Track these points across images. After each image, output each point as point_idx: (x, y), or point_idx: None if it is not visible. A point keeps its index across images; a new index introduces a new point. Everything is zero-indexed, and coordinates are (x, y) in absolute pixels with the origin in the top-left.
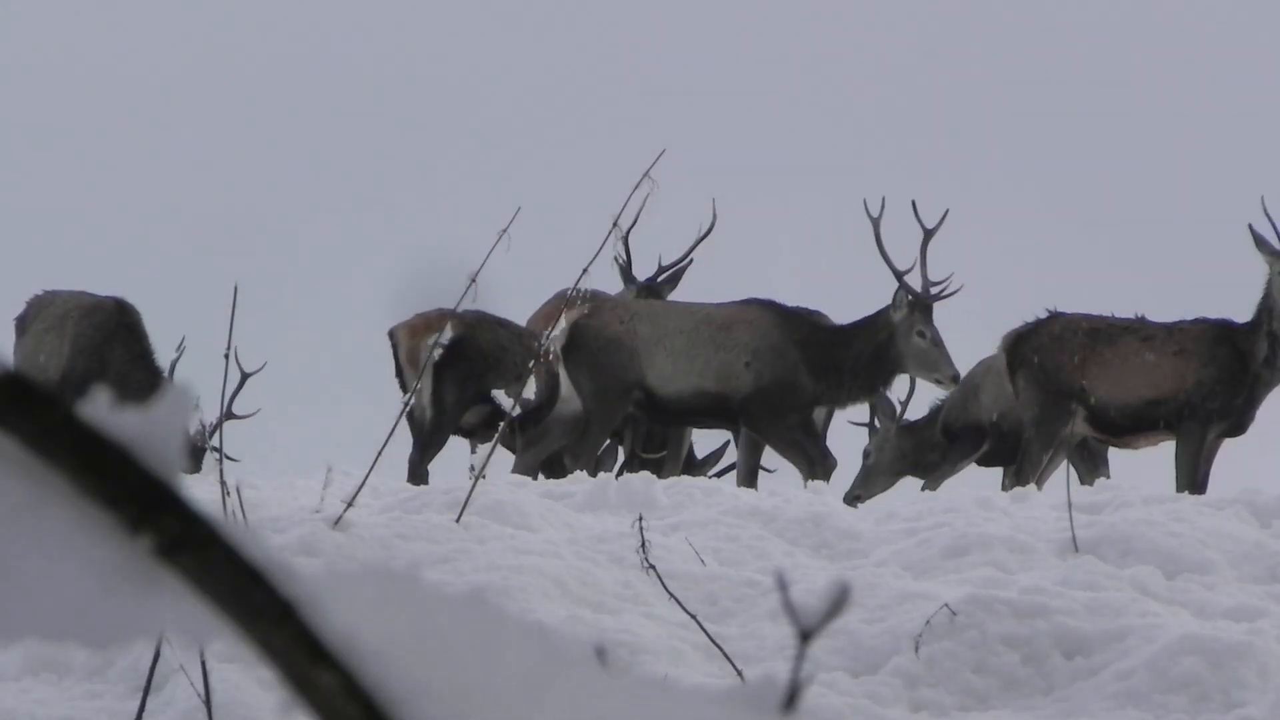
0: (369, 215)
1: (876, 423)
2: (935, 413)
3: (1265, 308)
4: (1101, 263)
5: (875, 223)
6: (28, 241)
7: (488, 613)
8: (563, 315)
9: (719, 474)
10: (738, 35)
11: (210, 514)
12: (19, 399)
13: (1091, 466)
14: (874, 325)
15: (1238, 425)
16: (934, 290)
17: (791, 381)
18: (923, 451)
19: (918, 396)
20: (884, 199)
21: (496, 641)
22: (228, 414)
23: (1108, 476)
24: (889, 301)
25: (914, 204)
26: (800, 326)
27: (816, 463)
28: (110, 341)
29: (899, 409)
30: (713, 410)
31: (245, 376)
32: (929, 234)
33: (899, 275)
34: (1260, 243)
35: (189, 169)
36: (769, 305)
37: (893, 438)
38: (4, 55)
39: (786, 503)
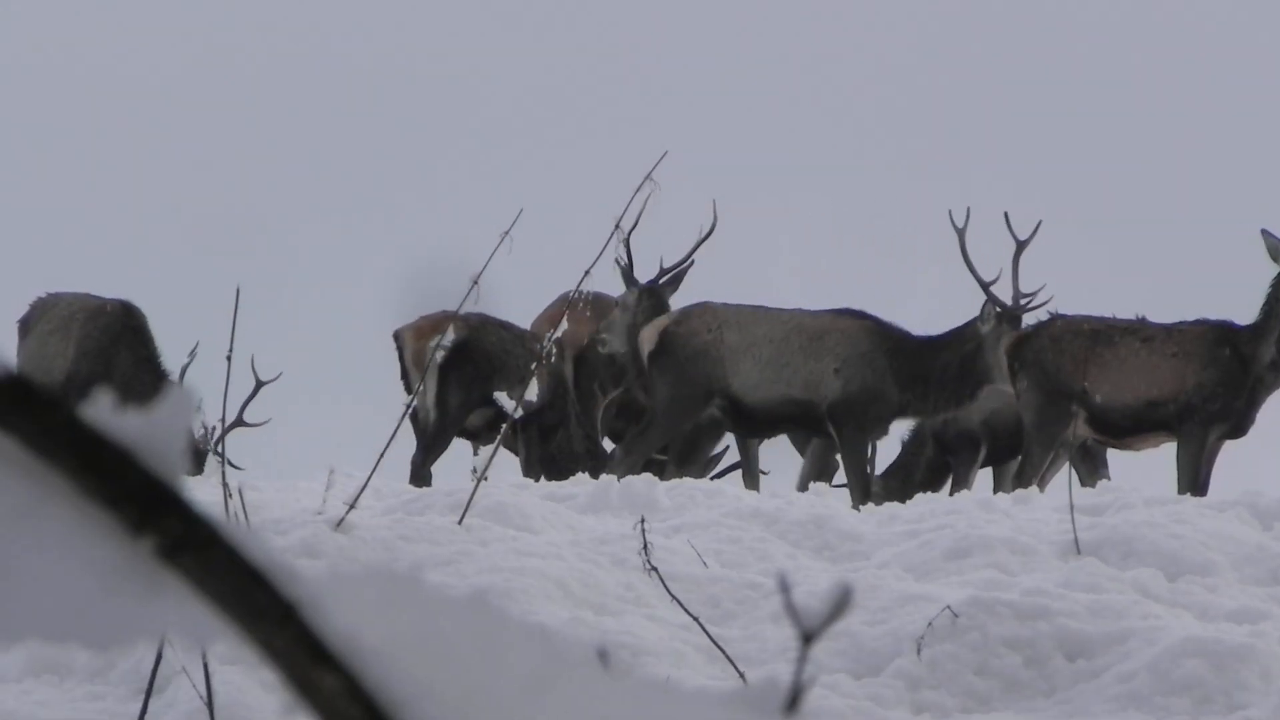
0: (369, 215)
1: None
2: (915, 438)
3: (1277, 313)
4: (1101, 263)
5: (960, 233)
6: (28, 242)
7: (490, 615)
8: (564, 318)
9: (718, 475)
10: (738, 35)
11: (212, 515)
12: (20, 400)
13: (1092, 468)
14: (961, 337)
15: (1238, 428)
16: (1023, 302)
17: (879, 390)
18: (910, 480)
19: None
20: (969, 209)
21: (499, 643)
22: (238, 421)
23: (1108, 479)
24: (976, 313)
25: (1006, 215)
26: (890, 336)
27: (866, 493)
28: (116, 344)
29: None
30: (800, 418)
31: (260, 384)
32: (1021, 245)
33: (985, 286)
34: None
35: (189, 169)
36: (861, 314)
37: (878, 491)
38: (4, 55)
39: (789, 505)
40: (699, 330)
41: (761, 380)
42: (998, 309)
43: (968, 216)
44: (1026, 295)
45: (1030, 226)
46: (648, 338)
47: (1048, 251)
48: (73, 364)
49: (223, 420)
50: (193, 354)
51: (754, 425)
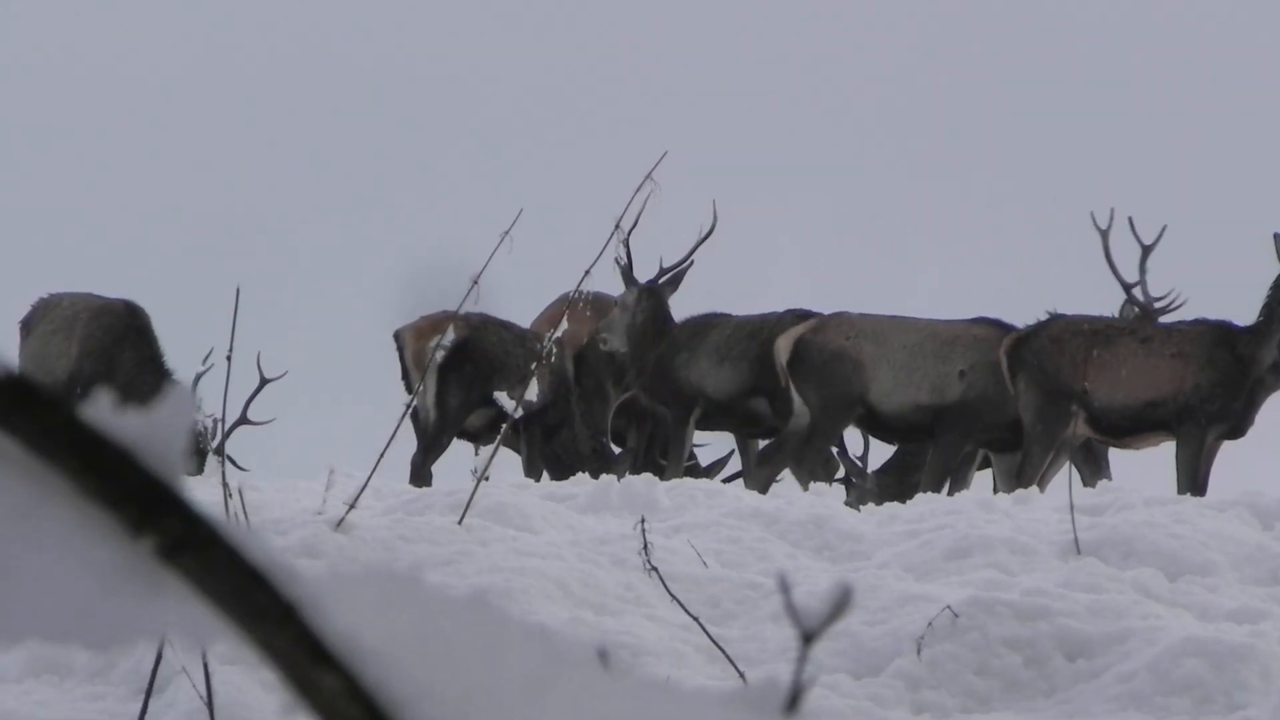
0: (369, 215)
1: (853, 479)
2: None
3: (1278, 315)
4: (1102, 263)
5: (1104, 235)
6: (28, 242)
7: (490, 615)
8: (564, 317)
9: (725, 481)
10: (738, 35)
11: (212, 515)
12: (21, 400)
13: (1095, 469)
14: None
15: (1236, 428)
16: (1158, 304)
17: (998, 402)
18: (907, 480)
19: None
20: (1112, 210)
21: (499, 643)
22: (242, 419)
23: (1109, 479)
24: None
25: (1131, 220)
26: None
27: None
28: (120, 344)
29: (863, 465)
30: (930, 425)
31: (264, 381)
32: (1147, 250)
33: (1127, 288)
34: None
35: (189, 169)
36: (998, 323)
37: (872, 489)
38: (4, 55)
39: (789, 505)
40: (835, 338)
41: (895, 387)
42: (1136, 309)
43: (1111, 218)
44: (1159, 297)
45: (1030, 226)
46: (783, 346)
47: (1048, 251)
48: (76, 363)
49: (223, 420)
50: (207, 360)
51: (891, 434)
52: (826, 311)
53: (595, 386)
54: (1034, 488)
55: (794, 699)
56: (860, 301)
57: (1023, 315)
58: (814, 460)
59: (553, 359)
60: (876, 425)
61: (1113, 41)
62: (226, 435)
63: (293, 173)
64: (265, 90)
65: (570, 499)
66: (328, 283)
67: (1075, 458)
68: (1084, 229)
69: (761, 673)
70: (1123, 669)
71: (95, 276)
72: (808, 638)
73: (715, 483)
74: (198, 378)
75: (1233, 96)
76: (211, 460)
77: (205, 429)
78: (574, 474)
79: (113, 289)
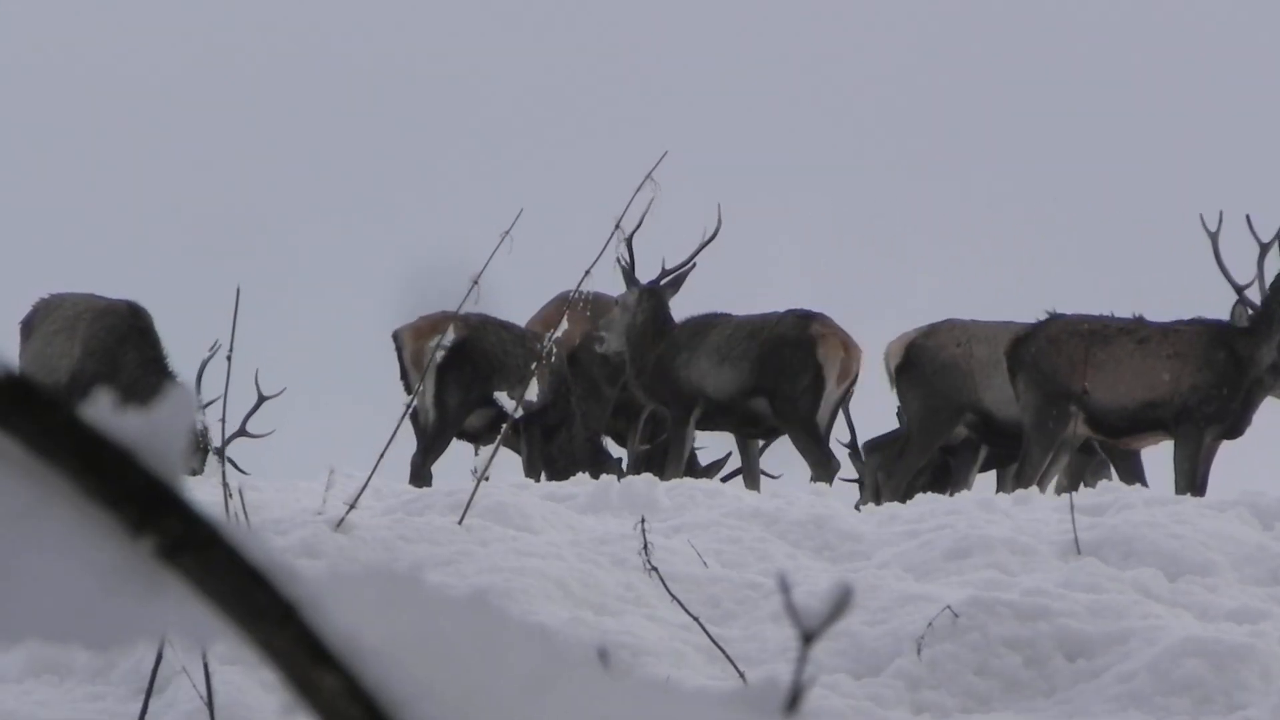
0: (369, 216)
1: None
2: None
3: (1278, 316)
4: (1101, 263)
5: (1213, 237)
6: (28, 242)
7: (490, 615)
8: (564, 317)
9: (724, 480)
10: (738, 35)
11: (212, 515)
12: (21, 400)
13: (1099, 468)
14: None
15: (1234, 429)
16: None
17: None
18: (911, 481)
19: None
20: (1221, 213)
21: (499, 643)
22: (240, 432)
23: (1109, 479)
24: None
25: (1248, 218)
26: None
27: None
28: (123, 345)
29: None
30: None
31: (262, 399)
32: (1265, 247)
33: (1239, 290)
34: None
35: (189, 169)
36: None
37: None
38: (4, 55)
39: (789, 505)
40: (947, 344)
41: (1012, 393)
42: (1249, 310)
43: (1220, 220)
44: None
45: (1030, 226)
46: (893, 351)
47: (1047, 251)
48: (78, 364)
49: (223, 420)
50: (213, 349)
51: (1005, 440)
52: (826, 311)
53: (589, 387)
54: (1034, 488)
55: (794, 699)
56: (859, 301)
57: (1024, 315)
58: (906, 474)
59: (553, 359)
60: (992, 431)
61: (1113, 41)
62: (225, 444)
63: (293, 173)
64: (265, 90)
65: (570, 499)
66: (328, 283)
67: (1077, 456)
68: (1084, 228)
69: (761, 673)
70: (1123, 669)
71: (95, 276)
72: (808, 638)
73: (715, 483)
74: (203, 366)
75: (1233, 96)
76: (212, 460)
77: (207, 428)
78: (572, 474)
79: (113, 289)
